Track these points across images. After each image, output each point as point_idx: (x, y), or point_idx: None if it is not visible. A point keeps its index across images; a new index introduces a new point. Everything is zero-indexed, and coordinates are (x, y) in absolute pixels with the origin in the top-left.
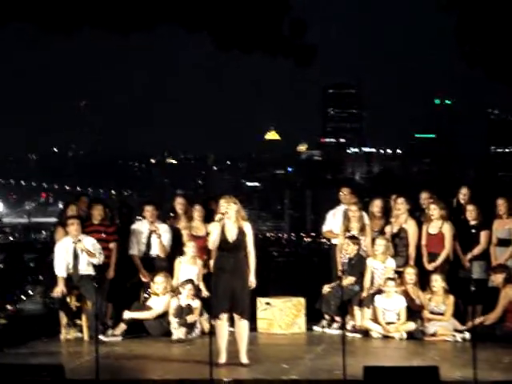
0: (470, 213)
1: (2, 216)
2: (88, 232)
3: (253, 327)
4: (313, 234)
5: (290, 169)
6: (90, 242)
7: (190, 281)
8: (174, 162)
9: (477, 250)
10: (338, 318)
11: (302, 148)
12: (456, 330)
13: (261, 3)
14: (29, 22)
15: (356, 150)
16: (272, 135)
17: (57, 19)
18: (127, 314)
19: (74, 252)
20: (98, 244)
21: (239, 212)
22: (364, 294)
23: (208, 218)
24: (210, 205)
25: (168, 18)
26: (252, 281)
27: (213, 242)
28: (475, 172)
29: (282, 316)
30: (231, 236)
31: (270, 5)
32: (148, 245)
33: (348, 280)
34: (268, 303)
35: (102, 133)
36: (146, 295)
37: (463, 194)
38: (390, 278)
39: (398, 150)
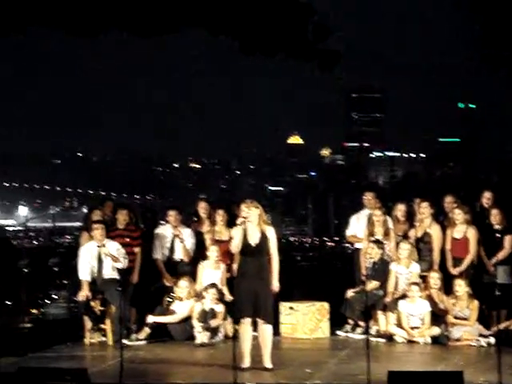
0: (495, 217)
1: (27, 220)
2: (113, 237)
3: (276, 332)
4: (336, 239)
5: (313, 173)
6: (114, 247)
7: (214, 285)
8: (198, 166)
9: (501, 255)
10: (361, 323)
11: (326, 152)
12: (481, 335)
13: (285, 7)
14: (49, 25)
15: (379, 154)
16: (295, 139)
17: (82, 23)
18: (151, 318)
19: (99, 256)
20: (122, 249)
21: (261, 216)
22: (388, 299)
23: (231, 222)
24: (233, 209)
25: (192, 21)
26: (276, 285)
27: (235, 246)
28: (499, 176)
29: (305, 321)
30: (254, 240)
31: (294, 9)
32: (171, 249)
33: (372, 284)
34: (291, 308)
35: (125, 137)
36: (169, 299)
37: (486, 198)
38: (414, 283)
39: (422, 154)
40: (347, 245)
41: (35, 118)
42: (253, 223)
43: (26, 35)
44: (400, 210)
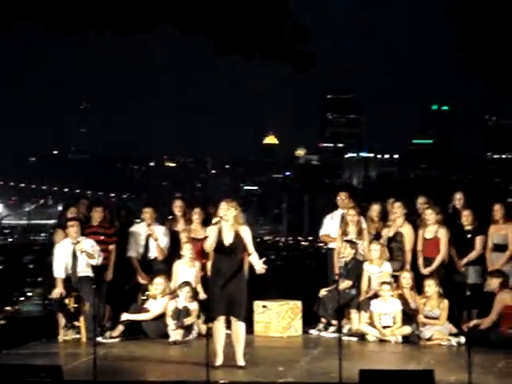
0: (466, 218)
1: (2, 218)
2: (87, 234)
3: (249, 330)
4: (310, 238)
5: (288, 173)
6: (89, 244)
7: (188, 283)
8: (173, 165)
9: (472, 255)
10: (334, 322)
11: (300, 152)
12: (451, 335)
13: (261, 8)
14: (33, 21)
15: (354, 154)
16: (270, 139)
17: (61, 20)
18: (125, 316)
19: (73, 253)
20: (97, 246)
21: (237, 217)
22: (361, 298)
23: (206, 221)
24: (209, 208)
25: (167, 19)
26: (259, 263)
27: (209, 245)
28: (471, 177)
29: (278, 319)
30: (227, 239)
31: (271, 10)
32: (146, 247)
33: (345, 284)
34: (265, 306)
35: (101, 135)
36: (143, 297)
37: (458, 199)
38: (385, 282)
39: (396, 155)
40: (321, 244)
41: (10, 116)
42: (228, 223)
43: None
44: (375, 210)
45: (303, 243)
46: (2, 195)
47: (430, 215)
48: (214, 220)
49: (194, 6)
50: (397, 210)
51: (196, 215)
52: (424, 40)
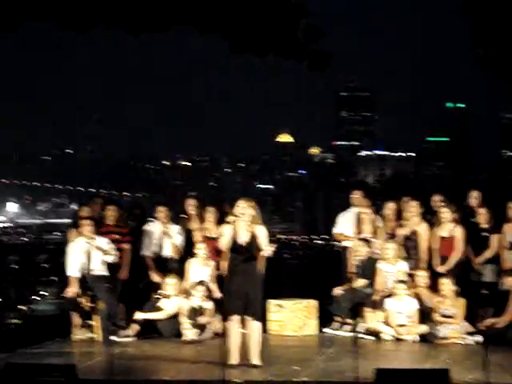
0: (482, 216)
1: (17, 217)
2: (102, 233)
3: (264, 329)
4: (325, 237)
5: (302, 171)
6: (103, 242)
7: (202, 282)
8: (187, 163)
9: (488, 254)
10: (349, 321)
11: (315, 151)
12: (467, 333)
13: (276, 7)
14: (43, 20)
15: (369, 152)
16: (285, 137)
17: (72, 18)
18: (139, 315)
19: (88, 252)
20: (111, 244)
21: (254, 216)
22: (376, 297)
23: (221, 220)
24: (224, 208)
25: (183, 19)
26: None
27: (224, 244)
28: (487, 176)
29: (293, 318)
30: (243, 238)
31: (286, 9)
32: (160, 246)
33: (360, 282)
34: (280, 305)
35: (115, 134)
36: (157, 296)
37: (474, 197)
38: (400, 281)
39: (411, 153)
40: (335, 243)
41: (25, 116)
42: (244, 222)
43: (17, 32)
44: (390, 208)
45: (318, 242)
46: (17, 195)
47: (445, 213)
48: (230, 219)
49: (211, 5)
50: (412, 208)
51: (209, 214)
52: (440, 37)
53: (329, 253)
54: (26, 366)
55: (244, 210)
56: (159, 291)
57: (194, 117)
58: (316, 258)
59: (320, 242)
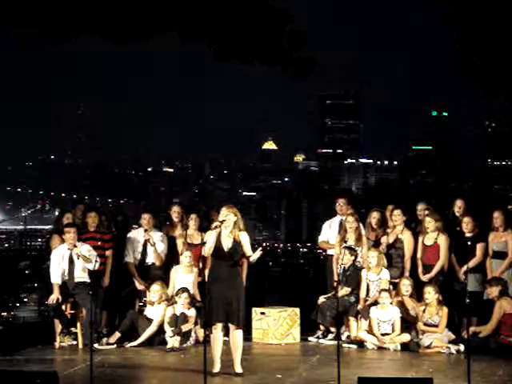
0: (466, 225)
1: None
2: (84, 239)
3: (247, 337)
4: (309, 245)
5: (286, 179)
6: (85, 249)
7: (186, 289)
8: (171, 170)
9: (472, 263)
10: (333, 329)
11: (299, 158)
12: (450, 342)
13: (261, 14)
14: (28, 26)
15: (353, 160)
16: (269, 145)
17: (56, 25)
18: (134, 343)
19: (70, 259)
20: (93, 251)
21: (237, 223)
22: (360, 306)
23: (208, 227)
24: (211, 215)
25: (166, 26)
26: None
27: (208, 250)
28: (471, 184)
29: (276, 326)
30: (226, 245)
31: (270, 16)
32: (144, 253)
33: (343, 291)
34: (263, 313)
35: (98, 140)
36: (141, 304)
37: (458, 206)
38: (384, 290)
39: (395, 162)
40: (320, 251)
41: (7, 121)
42: (227, 228)
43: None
44: (374, 217)
45: (301, 249)
46: None
47: (429, 222)
48: (214, 225)
49: (194, 12)
50: (396, 216)
51: (192, 221)
52: (424, 46)
53: (312, 261)
54: (7, 373)
55: (226, 216)
56: (144, 298)
57: (178, 123)
58: (299, 266)
59: (304, 249)
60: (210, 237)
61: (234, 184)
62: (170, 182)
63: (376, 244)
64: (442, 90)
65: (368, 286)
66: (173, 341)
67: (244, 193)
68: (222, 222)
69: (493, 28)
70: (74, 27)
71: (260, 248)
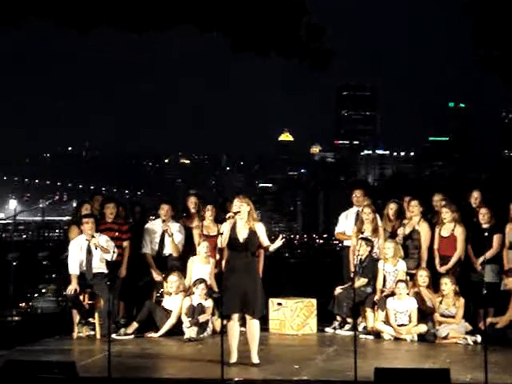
0: (483, 216)
1: (17, 214)
2: (101, 230)
3: (264, 327)
4: (325, 236)
5: (303, 170)
6: (103, 239)
7: (203, 280)
8: (187, 161)
9: (489, 254)
10: (349, 320)
11: (316, 150)
12: (467, 333)
13: (277, 5)
14: (45, 17)
15: (369, 152)
16: (285, 136)
17: (73, 16)
18: (155, 335)
19: (88, 250)
20: (111, 241)
21: (251, 213)
22: (377, 297)
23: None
24: (227, 206)
25: (184, 17)
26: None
27: (223, 241)
28: (488, 175)
29: (293, 317)
30: (242, 236)
31: (287, 8)
32: (161, 244)
33: (360, 282)
34: (280, 304)
35: (115, 132)
36: (158, 294)
37: (475, 197)
38: (400, 281)
39: (412, 153)
40: (336, 242)
41: (26, 114)
42: (242, 219)
43: (19, 28)
44: (391, 208)
45: (318, 241)
46: (16, 192)
47: (446, 213)
48: (227, 216)
49: (212, 4)
50: (413, 208)
51: (208, 212)
52: (441, 37)
53: (329, 252)
54: (25, 364)
55: (239, 207)
56: (161, 289)
57: (194, 115)
58: (316, 257)
59: (320, 241)
60: (226, 228)
61: (250, 175)
62: (186, 173)
63: (392, 235)
64: (460, 81)
65: (385, 276)
66: (190, 331)
67: (260, 184)
68: (235, 213)
69: (510, 18)
70: (93, 19)
71: (281, 237)
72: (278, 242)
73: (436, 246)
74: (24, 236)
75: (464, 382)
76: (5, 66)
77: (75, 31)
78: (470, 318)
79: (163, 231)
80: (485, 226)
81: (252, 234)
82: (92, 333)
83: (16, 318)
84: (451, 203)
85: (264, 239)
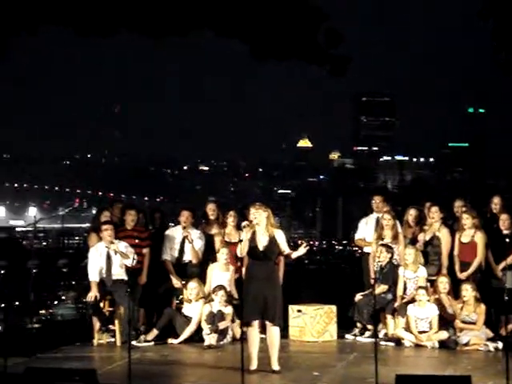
0: (503, 222)
1: (36, 221)
2: (121, 237)
3: (284, 334)
4: (344, 242)
5: (322, 176)
6: (123, 246)
7: (222, 287)
8: (206, 168)
9: (510, 260)
10: (370, 327)
11: (335, 156)
12: (488, 340)
13: (296, 11)
14: (63, 25)
15: (388, 158)
16: (304, 143)
17: (93, 23)
18: (174, 341)
19: (108, 257)
20: (131, 248)
21: (269, 219)
22: (397, 303)
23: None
24: (245, 213)
25: (202, 23)
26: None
27: (242, 250)
28: (508, 181)
29: (313, 323)
30: (262, 244)
31: (306, 13)
32: (181, 251)
33: (380, 288)
34: (299, 310)
35: (135, 139)
36: (177, 301)
37: (495, 203)
38: (421, 287)
39: (431, 159)
40: (355, 248)
41: (45, 121)
42: (261, 226)
43: (37, 35)
44: (411, 214)
45: (337, 247)
46: (36, 199)
47: (466, 219)
48: (243, 224)
49: (230, 9)
50: (434, 214)
51: (231, 218)
52: (460, 42)
53: (348, 258)
54: (45, 371)
55: (255, 214)
56: (180, 296)
57: (213, 122)
58: (335, 264)
59: (339, 247)
60: (245, 236)
61: (269, 182)
62: (205, 180)
63: (413, 241)
64: (479, 86)
65: (405, 283)
66: (210, 338)
67: (279, 191)
68: (250, 221)
69: None
70: (112, 25)
71: (305, 244)
72: (302, 250)
73: (456, 252)
74: (44, 243)
75: None
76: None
77: (95, 37)
78: (491, 325)
79: (183, 238)
80: (505, 232)
81: (272, 241)
82: (112, 340)
83: (36, 325)
84: (472, 209)
85: (284, 247)
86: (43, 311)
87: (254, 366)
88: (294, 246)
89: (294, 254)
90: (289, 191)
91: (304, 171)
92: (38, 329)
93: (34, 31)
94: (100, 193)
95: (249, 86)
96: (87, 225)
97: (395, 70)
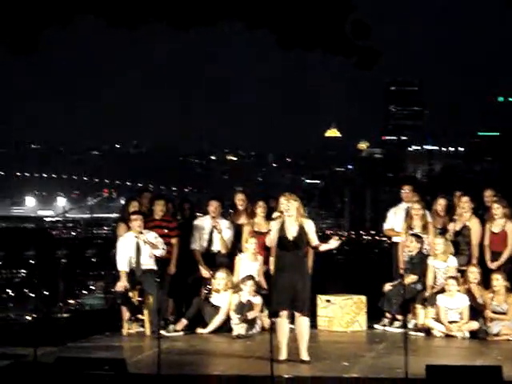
0: None
1: (65, 211)
2: (150, 227)
3: (312, 324)
4: (372, 232)
5: (350, 166)
6: (152, 236)
7: (251, 277)
8: (234, 158)
9: None
10: (399, 317)
11: (363, 145)
12: None
13: (323, 2)
14: (95, 15)
15: (418, 147)
16: (332, 132)
17: (122, 14)
18: (204, 330)
19: (137, 247)
20: (160, 238)
21: (299, 209)
22: (427, 293)
23: (268, 215)
24: (270, 202)
25: (230, 13)
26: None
27: (271, 240)
28: None
29: (342, 314)
30: (291, 233)
31: (333, 4)
32: (210, 240)
33: (410, 278)
34: (328, 301)
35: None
36: (206, 291)
37: None
38: (451, 277)
39: (461, 148)
40: (384, 238)
41: (74, 111)
42: (291, 216)
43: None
44: (440, 204)
45: (366, 237)
46: (65, 189)
47: (497, 209)
48: (275, 215)
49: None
50: (464, 204)
51: (260, 208)
52: (490, 31)
53: (377, 248)
54: (75, 360)
55: (287, 204)
56: (209, 286)
57: (240, 112)
58: (364, 254)
59: (368, 237)
60: (275, 225)
61: (297, 172)
62: (233, 170)
63: (442, 231)
64: (509, 75)
65: (435, 273)
66: (239, 328)
67: (307, 180)
68: (281, 212)
69: None
70: (142, 15)
71: (337, 237)
72: (334, 243)
73: (487, 242)
74: (73, 233)
75: None
76: (55, 64)
77: (124, 28)
78: None
79: (212, 228)
80: None
81: (301, 231)
82: (141, 329)
83: (66, 315)
84: (502, 199)
85: (313, 238)
86: (72, 301)
87: (283, 356)
88: (323, 237)
89: (324, 247)
90: (317, 181)
91: (332, 161)
92: (67, 318)
93: (68, 22)
94: (128, 183)
95: (276, 76)
96: (115, 215)
97: (424, 59)
